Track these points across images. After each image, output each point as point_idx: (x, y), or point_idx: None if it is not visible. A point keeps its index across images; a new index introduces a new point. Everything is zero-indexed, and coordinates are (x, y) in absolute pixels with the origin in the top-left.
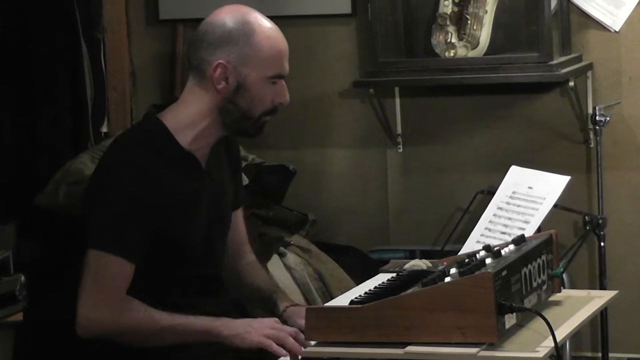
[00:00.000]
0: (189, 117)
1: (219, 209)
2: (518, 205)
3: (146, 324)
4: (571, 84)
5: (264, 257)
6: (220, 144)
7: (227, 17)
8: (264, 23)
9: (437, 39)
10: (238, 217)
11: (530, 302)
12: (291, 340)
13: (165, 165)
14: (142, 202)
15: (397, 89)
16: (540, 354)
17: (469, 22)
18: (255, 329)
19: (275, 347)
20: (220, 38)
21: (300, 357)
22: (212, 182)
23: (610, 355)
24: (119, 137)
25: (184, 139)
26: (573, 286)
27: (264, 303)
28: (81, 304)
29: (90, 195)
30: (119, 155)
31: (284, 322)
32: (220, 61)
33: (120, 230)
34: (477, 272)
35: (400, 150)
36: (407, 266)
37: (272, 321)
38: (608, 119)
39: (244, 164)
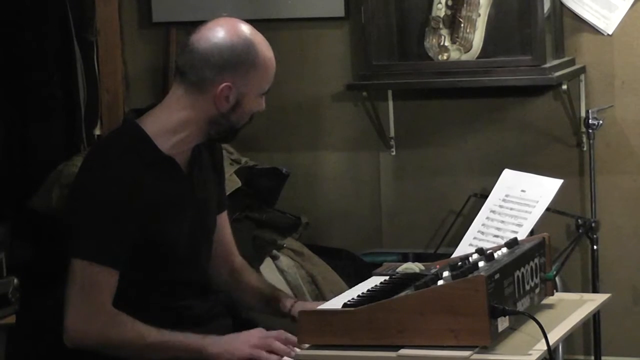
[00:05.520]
0: (171, 123)
1: (203, 212)
2: (511, 209)
3: (134, 339)
4: (564, 87)
5: (257, 260)
6: (203, 147)
7: (232, 38)
8: (262, 42)
9: (430, 42)
10: (224, 220)
11: (523, 305)
12: (278, 344)
13: (145, 170)
14: (124, 208)
15: (390, 92)
16: (533, 357)
17: (462, 25)
18: (242, 342)
19: (265, 355)
20: (228, 60)
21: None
22: (195, 186)
23: (603, 358)
24: (97, 143)
25: (164, 143)
26: (566, 289)
27: (266, 303)
28: (68, 316)
29: (72, 203)
30: (99, 161)
31: (293, 318)
32: (227, 83)
33: (103, 238)
34: (470, 275)
35: (393, 153)
36: (400, 269)
37: (257, 331)
38: (601, 122)
39: (237, 166)
